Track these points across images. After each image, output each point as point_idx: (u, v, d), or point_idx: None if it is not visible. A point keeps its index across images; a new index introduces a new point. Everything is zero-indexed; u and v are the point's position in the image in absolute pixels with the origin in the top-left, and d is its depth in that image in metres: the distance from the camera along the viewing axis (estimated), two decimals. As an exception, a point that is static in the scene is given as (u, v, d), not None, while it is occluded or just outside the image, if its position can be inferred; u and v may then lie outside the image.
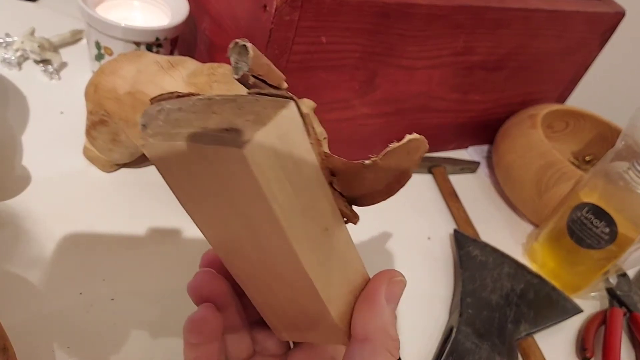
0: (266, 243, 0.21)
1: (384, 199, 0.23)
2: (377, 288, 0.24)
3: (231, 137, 0.17)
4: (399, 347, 0.24)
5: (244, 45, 0.20)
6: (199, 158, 0.19)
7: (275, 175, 0.19)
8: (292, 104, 0.19)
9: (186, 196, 0.22)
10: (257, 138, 0.17)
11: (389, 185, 0.23)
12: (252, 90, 0.21)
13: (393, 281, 0.24)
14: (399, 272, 0.25)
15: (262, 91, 0.21)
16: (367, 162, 0.22)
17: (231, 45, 0.20)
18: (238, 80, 0.21)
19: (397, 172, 0.22)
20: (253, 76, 0.20)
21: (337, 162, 0.22)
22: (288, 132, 0.19)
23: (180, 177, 0.21)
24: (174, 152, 0.19)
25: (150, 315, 0.40)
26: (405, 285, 0.25)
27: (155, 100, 0.22)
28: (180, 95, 0.22)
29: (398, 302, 0.24)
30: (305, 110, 0.20)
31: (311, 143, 0.21)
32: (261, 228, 0.20)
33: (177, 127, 0.19)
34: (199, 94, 0.22)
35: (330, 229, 0.22)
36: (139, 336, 0.38)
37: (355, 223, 0.24)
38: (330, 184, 0.23)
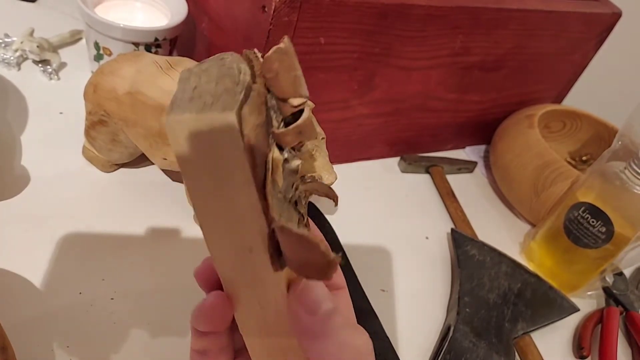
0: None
1: (297, 274, 0.20)
2: (292, 308, 0.22)
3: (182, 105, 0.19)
4: (366, 342, 0.22)
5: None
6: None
7: (195, 161, 0.19)
8: (231, 114, 0.18)
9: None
10: (179, 116, 0.18)
11: (300, 267, 0.20)
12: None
13: (302, 289, 0.22)
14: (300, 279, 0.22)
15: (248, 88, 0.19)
16: (277, 221, 0.19)
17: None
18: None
19: (301, 261, 0.20)
20: (263, 77, 0.20)
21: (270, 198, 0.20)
22: (217, 135, 0.18)
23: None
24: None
25: (150, 315, 0.40)
26: (317, 284, 0.22)
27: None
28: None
29: (324, 299, 0.22)
30: (248, 130, 0.18)
31: (249, 162, 0.19)
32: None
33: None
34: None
35: (255, 254, 0.21)
36: (139, 335, 0.39)
37: (275, 271, 0.21)
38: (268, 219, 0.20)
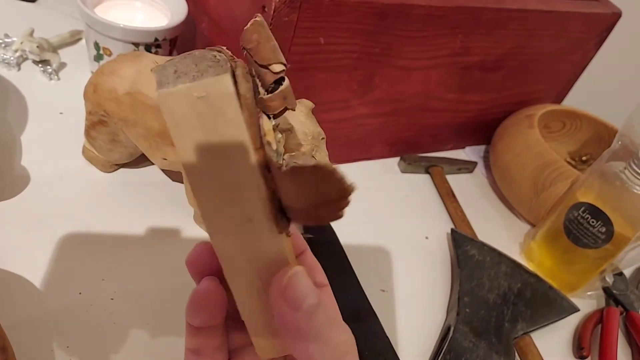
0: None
1: (306, 223, 0.21)
2: (274, 302, 0.21)
3: (171, 82, 0.20)
4: (348, 340, 0.22)
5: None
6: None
7: (190, 132, 0.20)
8: (226, 76, 0.19)
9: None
10: (170, 89, 0.19)
11: (308, 210, 0.20)
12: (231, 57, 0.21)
13: (286, 284, 0.21)
14: (291, 267, 0.22)
15: (224, 57, 0.20)
16: (283, 167, 0.20)
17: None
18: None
19: (313, 200, 0.20)
20: (244, 48, 0.21)
21: (267, 156, 0.21)
22: (213, 99, 0.19)
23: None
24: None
25: (150, 315, 0.40)
26: (301, 273, 0.22)
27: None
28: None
29: (308, 294, 0.21)
30: (244, 89, 0.20)
31: (246, 122, 0.20)
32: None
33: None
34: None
35: (256, 223, 0.21)
36: (138, 336, 0.39)
37: (280, 233, 0.22)
38: (265, 178, 0.21)
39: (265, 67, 0.21)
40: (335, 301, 0.27)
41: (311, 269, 0.27)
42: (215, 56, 0.20)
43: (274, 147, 0.21)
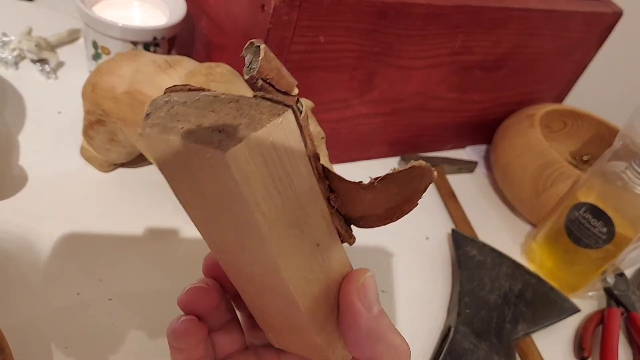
0: (250, 250, 0.20)
1: (384, 224, 0.22)
2: (350, 302, 0.22)
3: (218, 139, 0.17)
4: (406, 346, 0.22)
5: (258, 45, 0.20)
6: (189, 155, 0.19)
7: (261, 183, 0.18)
8: (289, 113, 0.19)
9: (180, 191, 0.22)
10: (243, 144, 0.17)
11: (390, 210, 0.21)
12: (258, 93, 0.20)
13: (362, 285, 0.22)
14: (363, 269, 0.23)
15: (266, 95, 0.20)
16: (365, 183, 0.21)
17: (247, 44, 0.20)
18: (246, 81, 0.20)
19: (399, 199, 0.21)
20: (262, 79, 0.20)
21: (334, 178, 0.21)
22: (281, 141, 0.19)
23: (175, 171, 0.21)
24: (168, 146, 0.19)
25: (148, 316, 0.40)
26: (373, 277, 0.23)
27: (169, 90, 0.22)
28: (192, 89, 0.22)
29: (377, 298, 0.22)
30: (304, 122, 0.20)
31: (308, 155, 0.20)
32: (245, 234, 0.20)
33: (174, 121, 0.19)
34: (208, 90, 0.22)
35: (322, 245, 0.21)
36: (137, 336, 0.38)
37: (350, 244, 0.23)
38: (328, 199, 0.22)
39: (287, 93, 0.20)
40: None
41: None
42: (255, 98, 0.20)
43: (328, 165, 0.21)
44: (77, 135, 0.48)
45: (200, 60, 0.43)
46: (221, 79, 0.40)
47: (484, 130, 0.71)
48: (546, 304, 0.52)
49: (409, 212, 0.21)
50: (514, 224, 0.64)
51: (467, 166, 0.68)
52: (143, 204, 0.47)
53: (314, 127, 0.40)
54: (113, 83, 0.42)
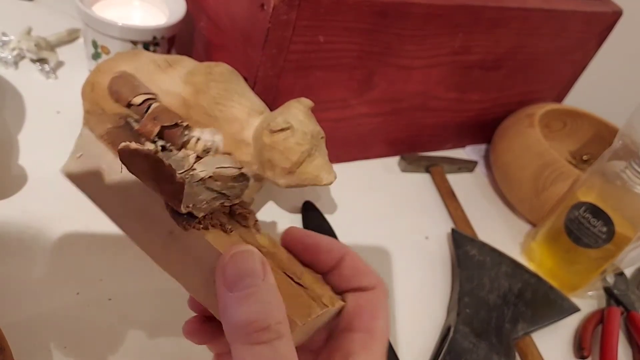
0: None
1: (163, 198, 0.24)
2: (217, 283, 0.22)
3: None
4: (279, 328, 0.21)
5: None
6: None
7: (96, 189, 0.24)
8: (84, 130, 0.24)
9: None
10: (67, 165, 0.25)
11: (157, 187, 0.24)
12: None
13: (223, 264, 0.22)
14: (239, 245, 0.23)
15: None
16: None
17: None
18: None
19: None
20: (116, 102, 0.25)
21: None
22: (88, 154, 0.23)
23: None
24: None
25: (147, 316, 0.40)
26: (243, 254, 0.22)
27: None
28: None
29: (242, 277, 0.21)
30: (100, 132, 0.24)
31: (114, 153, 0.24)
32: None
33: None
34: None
35: (176, 232, 0.24)
36: (136, 336, 0.38)
37: (195, 229, 0.24)
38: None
39: (129, 105, 0.23)
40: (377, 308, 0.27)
41: (356, 273, 0.27)
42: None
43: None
44: (76, 135, 0.48)
45: (200, 60, 0.43)
46: (221, 78, 0.40)
47: (483, 129, 0.71)
48: (546, 304, 0.52)
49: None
50: (513, 224, 0.64)
51: (467, 166, 0.68)
52: (143, 204, 0.47)
53: (314, 127, 0.40)
54: (113, 83, 0.42)
